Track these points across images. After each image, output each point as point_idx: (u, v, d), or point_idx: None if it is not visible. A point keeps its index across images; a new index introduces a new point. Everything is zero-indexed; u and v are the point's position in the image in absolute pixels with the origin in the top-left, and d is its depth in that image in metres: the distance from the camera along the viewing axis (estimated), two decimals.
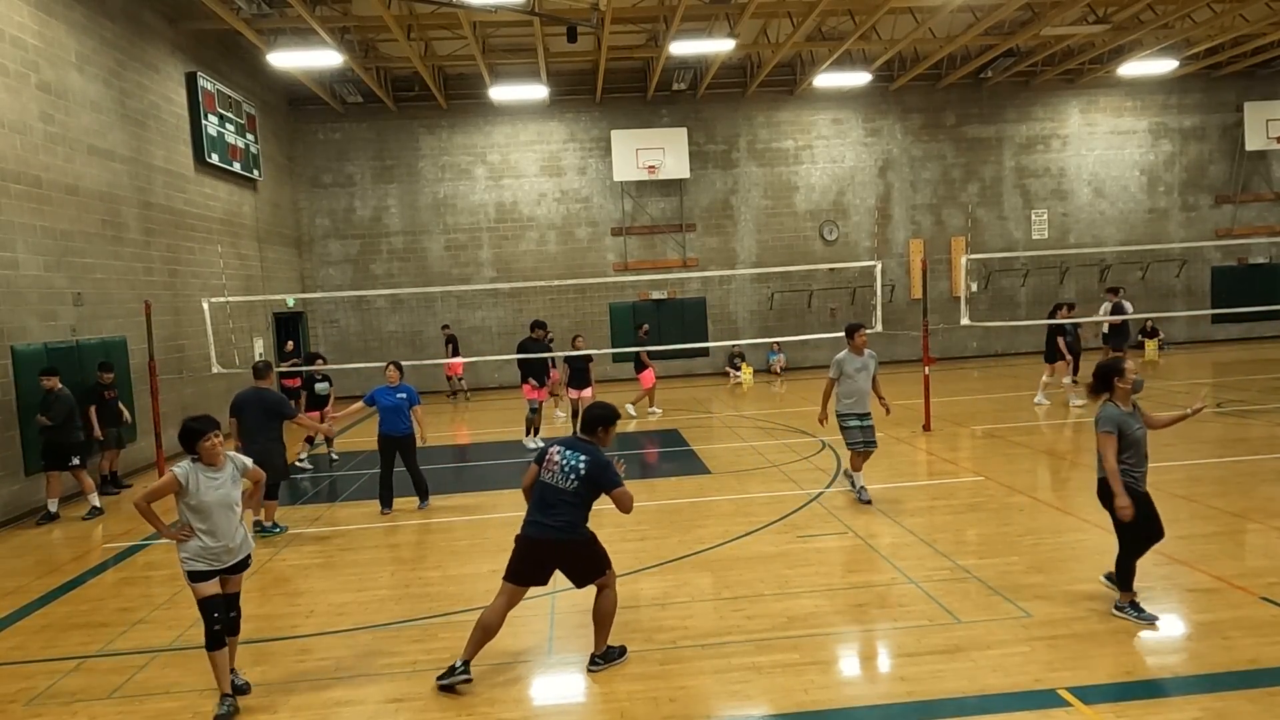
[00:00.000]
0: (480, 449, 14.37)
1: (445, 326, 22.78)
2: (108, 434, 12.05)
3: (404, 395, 9.96)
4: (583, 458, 5.34)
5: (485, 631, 5.36)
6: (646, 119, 23.41)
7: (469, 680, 5.30)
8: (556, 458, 5.39)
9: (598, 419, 5.50)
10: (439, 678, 5.32)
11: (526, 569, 5.38)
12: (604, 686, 5.32)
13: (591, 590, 5.53)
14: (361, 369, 21.85)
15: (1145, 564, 6.94)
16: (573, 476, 5.29)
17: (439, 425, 17.59)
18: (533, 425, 13.88)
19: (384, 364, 10.39)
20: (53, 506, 10.64)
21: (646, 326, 19.07)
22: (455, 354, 21.53)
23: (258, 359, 9.25)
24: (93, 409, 11.45)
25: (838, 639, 5.89)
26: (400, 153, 23.36)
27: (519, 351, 14.30)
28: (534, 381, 13.85)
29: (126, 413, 12.26)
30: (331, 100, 21.95)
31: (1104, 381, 5.83)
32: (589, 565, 5.44)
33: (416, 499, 10.22)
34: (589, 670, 5.49)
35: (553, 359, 15.31)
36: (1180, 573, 6.65)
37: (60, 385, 10.63)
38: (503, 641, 6.05)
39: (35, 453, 10.83)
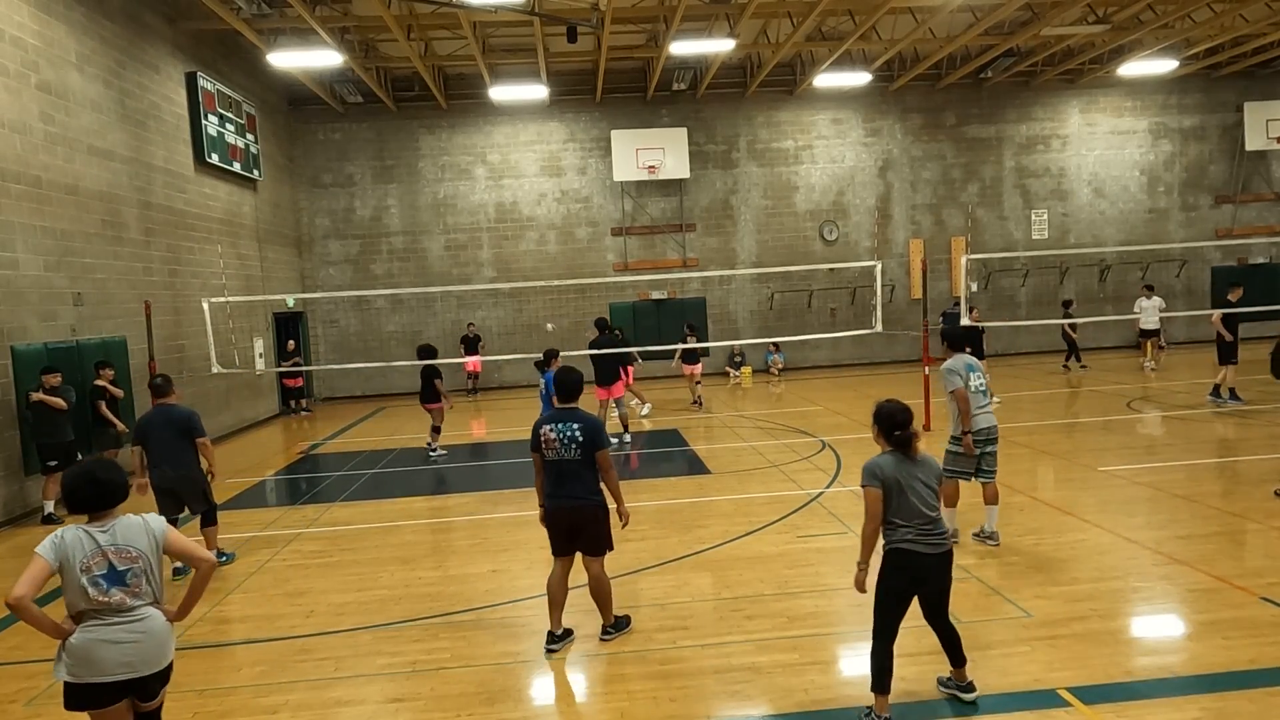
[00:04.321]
0: (483, 449, 14.36)
1: (471, 324, 22.74)
2: (105, 434, 12.06)
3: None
4: (575, 425, 5.71)
5: (552, 598, 5.88)
6: (646, 119, 23.41)
7: (571, 638, 5.95)
8: (553, 435, 5.72)
9: (577, 384, 5.96)
10: (547, 647, 5.85)
11: (559, 538, 5.85)
12: (604, 686, 5.32)
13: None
14: (362, 369, 21.92)
15: (1145, 564, 6.98)
16: (574, 446, 5.67)
17: (448, 424, 17.57)
18: (623, 420, 14.02)
19: (382, 364, 10.58)
20: (49, 508, 10.65)
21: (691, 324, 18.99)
22: (474, 352, 21.53)
23: (154, 376, 8.28)
24: (102, 404, 11.63)
25: (838, 639, 5.90)
26: (400, 153, 23.36)
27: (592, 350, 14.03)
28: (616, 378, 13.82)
29: (119, 424, 11.79)
30: (331, 100, 21.95)
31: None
32: (604, 533, 5.85)
33: (421, 498, 10.33)
34: (602, 639, 5.92)
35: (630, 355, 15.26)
36: (1180, 573, 6.65)
37: (61, 381, 10.68)
38: (502, 642, 6.07)
39: (35, 453, 10.81)
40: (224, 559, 8.29)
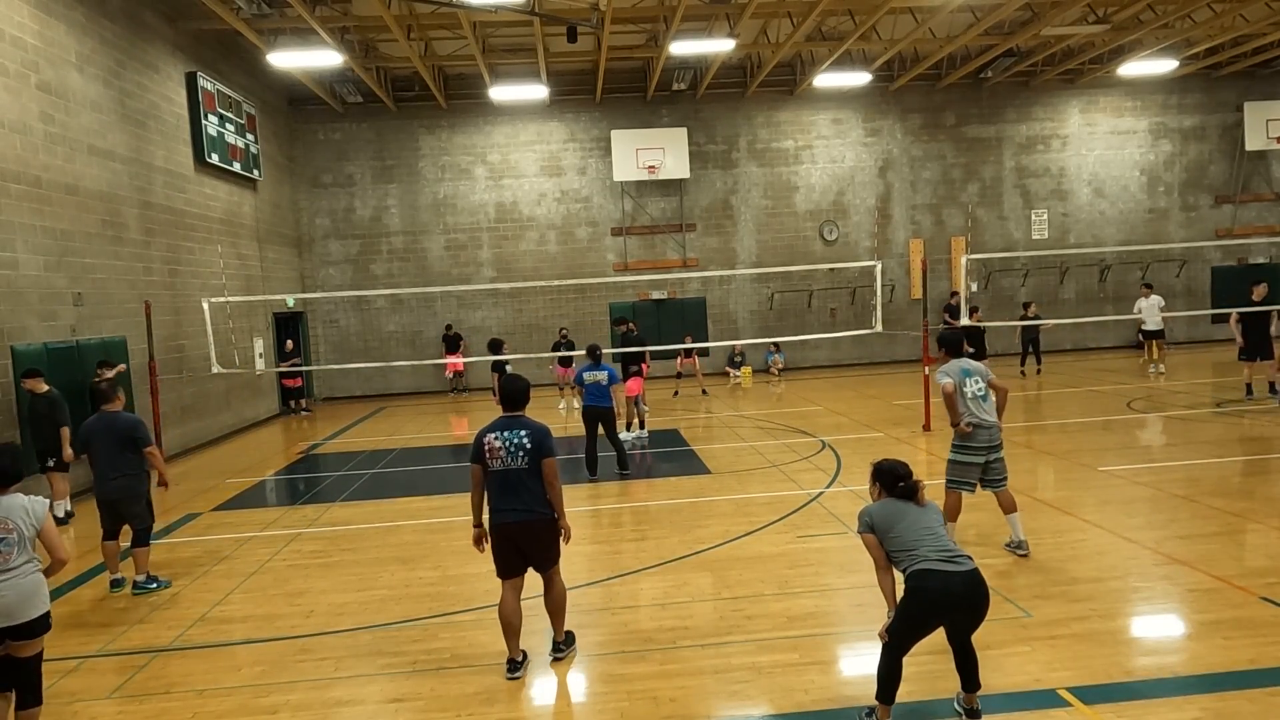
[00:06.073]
0: None
1: (448, 327, 22.91)
2: None
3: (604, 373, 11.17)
4: (522, 432, 5.49)
5: (507, 626, 5.52)
6: (646, 119, 23.41)
7: (526, 665, 5.56)
8: (497, 444, 5.47)
9: (524, 391, 5.74)
10: (509, 675, 5.49)
11: (508, 558, 5.54)
12: (604, 686, 5.32)
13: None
14: (362, 369, 21.91)
15: (1145, 564, 6.98)
16: (520, 454, 5.42)
17: (442, 424, 17.60)
18: (634, 418, 14.30)
19: (382, 364, 10.79)
20: (66, 508, 10.59)
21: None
22: (455, 352, 21.96)
23: (99, 379, 7.62)
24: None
25: (838, 639, 5.90)
26: (400, 153, 23.36)
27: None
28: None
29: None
30: (331, 100, 21.94)
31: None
32: (553, 547, 5.59)
33: (421, 498, 10.40)
34: (553, 658, 5.64)
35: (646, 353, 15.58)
36: (1180, 573, 6.65)
37: (46, 386, 10.47)
38: (502, 642, 6.04)
39: (35, 454, 10.79)
40: (155, 585, 7.63)
